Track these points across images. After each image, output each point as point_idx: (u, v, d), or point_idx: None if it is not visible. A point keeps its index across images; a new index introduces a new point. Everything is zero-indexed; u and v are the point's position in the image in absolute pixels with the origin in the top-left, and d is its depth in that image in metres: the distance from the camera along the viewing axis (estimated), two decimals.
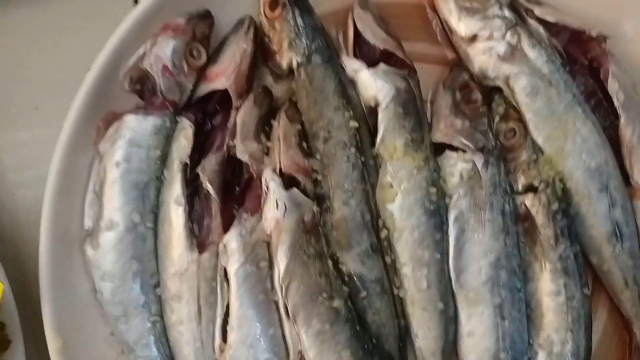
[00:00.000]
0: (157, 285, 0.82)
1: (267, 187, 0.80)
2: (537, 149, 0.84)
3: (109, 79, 0.84)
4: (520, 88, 0.85)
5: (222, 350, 0.79)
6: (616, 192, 0.84)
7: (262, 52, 0.88)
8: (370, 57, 0.86)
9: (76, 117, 0.82)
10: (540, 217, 0.83)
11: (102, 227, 0.81)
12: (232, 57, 0.86)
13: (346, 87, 0.85)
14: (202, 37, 0.86)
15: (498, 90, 0.87)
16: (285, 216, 0.79)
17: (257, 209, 0.81)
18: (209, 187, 0.81)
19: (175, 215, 0.81)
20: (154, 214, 0.83)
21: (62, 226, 0.82)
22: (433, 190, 0.83)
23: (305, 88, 0.85)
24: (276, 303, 0.80)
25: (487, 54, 0.86)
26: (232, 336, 0.78)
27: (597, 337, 0.86)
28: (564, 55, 0.87)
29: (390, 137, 0.83)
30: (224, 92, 0.85)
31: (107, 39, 0.84)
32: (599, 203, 0.84)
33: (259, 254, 0.80)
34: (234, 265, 0.79)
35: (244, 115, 0.84)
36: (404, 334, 0.83)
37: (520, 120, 0.85)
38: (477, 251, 0.82)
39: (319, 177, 0.83)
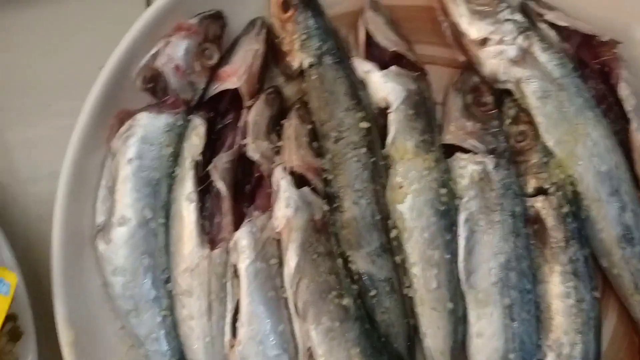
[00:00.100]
0: (168, 280, 0.82)
1: (278, 186, 0.81)
2: (547, 152, 0.84)
3: (122, 77, 0.84)
4: (531, 92, 0.85)
5: (231, 346, 0.79)
6: (627, 195, 0.84)
7: (273, 53, 0.89)
8: (381, 59, 0.87)
9: (89, 114, 0.83)
10: (550, 220, 0.83)
11: (114, 222, 0.81)
12: (244, 58, 0.86)
13: (357, 89, 0.86)
14: (214, 37, 0.87)
15: (509, 93, 0.87)
16: (295, 215, 0.79)
17: (267, 207, 0.82)
18: (220, 184, 0.82)
19: (187, 211, 0.82)
20: (166, 210, 0.83)
21: (74, 221, 0.82)
22: (443, 191, 0.83)
23: (316, 89, 0.86)
24: (286, 300, 0.80)
25: (498, 57, 0.86)
26: (241, 332, 0.79)
27: (607, 341, 0.86)
28: (575, 59, 0.87)
29: (401, 139, 0.84)
30: (235, 92, 0.86)
31: (119, 39, 0.84)
32: (609, 207, 0.83)
33: (269, 252, 0.80)
34: (244, 262, 0.79)
35: (255, 114, 0.85)
36: (413, 333, 0.82)
37: (531, 123, 0.85)
38: (487, 252, 0.82)
39: (330, 177, 0.83)
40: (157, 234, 0.82)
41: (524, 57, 0.85)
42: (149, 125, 0.83)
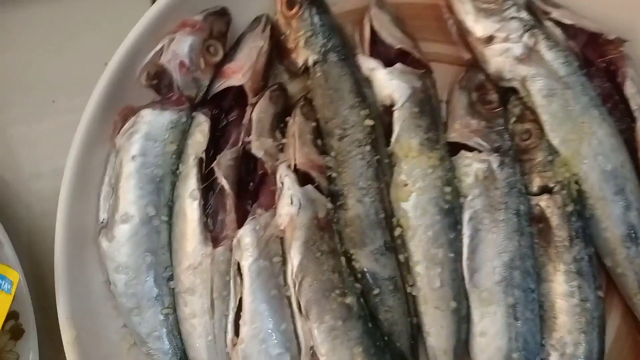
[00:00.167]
0: (171, 278, 0.82)
1: (282, 183, 0.81)
2: (553, 151, 0.84)
3: (127, 74, 0.84)
4: (537, 90, 0.85)
5: (234, 344, 0.79)
6: (632, 195, 0.83)
7: (278, 50, 0.89)
8: (386, 56, 0.87)
9: (93, 111, 0.83)
10: (555, 219, 0.83)
11: (117, 219, 0.81)
12: (249, 55, 0.86)
13: (361, 86, 0.85)
14: (219, 34, 0.87)
15: (514, 91, 0.86)
16: (299, 212, 0.79)
17: (271, 205, 0.82)
18: (223, 182, 0.82)
19: (190, 209, 0.82)
20: (169, 207, 0.83)
21: (77, 218, 0.82)
22: (448, 189, 0.82)
23: (321, 86, 0.85)
24: (288, 298, 0.80)
25: (503, 55, 0.86)
26: (244, 330, 0.79)
27: (610, 340, 0.85)
28: (580, 57, 0.87)
29: (406, 136, 0.84)
30: (240, 89, 0.86)
31: (123, 36, 0.84)
32: (614, 206, 0.83)
33: (273, 250, 0.80)
34: (247, 260, 0.79)
35: (259, 111, 0.85)
36: (416, 332, 0.82)
37: (536, 121, 0.85)
38: (491, 251, 0.81)
39: (334, 175, 0.83)
40: (160, 231, 0.82)
41: (529, 55, 0.85)
42: (153, 122, 0.83)
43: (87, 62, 0.88)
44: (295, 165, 0.82)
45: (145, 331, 0.82)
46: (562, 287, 0.82)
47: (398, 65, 0.85)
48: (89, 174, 0.83)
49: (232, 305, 0.80)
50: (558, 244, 0.82)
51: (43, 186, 0.91)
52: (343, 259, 0.81)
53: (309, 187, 0.81)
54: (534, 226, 0.83)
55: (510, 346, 0.80)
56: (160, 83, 0.85)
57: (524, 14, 0.86)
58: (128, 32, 0.84)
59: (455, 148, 0.85)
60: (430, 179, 0.82)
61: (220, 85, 0.86)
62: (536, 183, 0.84)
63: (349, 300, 0.79)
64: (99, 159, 0.84)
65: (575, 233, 0.82)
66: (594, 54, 0.88)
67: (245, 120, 0.85)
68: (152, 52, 0.85)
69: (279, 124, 0.86)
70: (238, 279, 0.80)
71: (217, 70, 0.87)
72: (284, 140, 0.85)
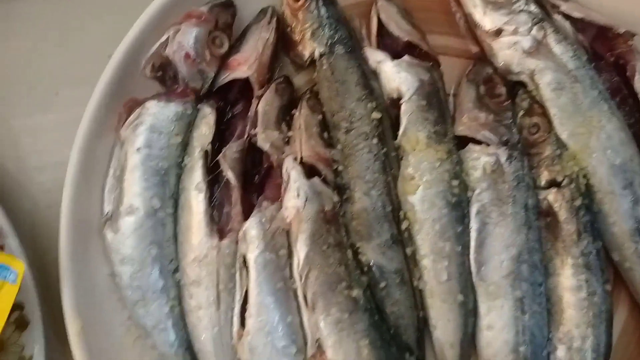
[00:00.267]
0: (176, 270, 0.82)
1: (288, 176, 0.80)
2: (561, 145, 0.84)
3: (131, 66, 0.84)
4: (545, 83, 0.84)
5: (240, 337, 0.79)
6: None
7: (284, 42, 0.88)
8: (393, 49, 0.86)
9: (98, 103, 0.83)
10: (563, 213, 0.82)
11: (122, 212, 0.81)
12: (254, 47, 0.86)
13: (368, 79, 0.85)
14: (225, 25, 0.86)
15: (522, 84, 0.86)
16: (305, 205, 0.79)
17: (277, 198, 0.81)
18: (229, 174, 0.81)
19: (196, 201, 0.81)
20: (174, 200, 0.83)
21: (82, 210, 0.82)
22: (455, 183, 0.82)
23: (327, 78, 0.85)
24: (294, 291, 0.80)
25: (511, 48, 0.85)
26: (250, 323, 0.78)
27: (617, 334, 0.85)
28: (589, 51, 0.86)
29: (413, 130, 0.83)
30: (245, 81, 0.85)
31: (127, 27, 0.84)
32: (622, 200, 0.83)
33: (279, 242, 0.80)
34: (253, 252, 0.79)
35: (265, 104, 0.84)
36: (423, 325, 0.82)
37: (544, 115, 0.85)
38: (499, 245, 0.81)
39: (340, 168, 0.82)
40: (166, 223, 0.82)
41: (538, 48, 0.85)
42: (158, 114, 0.83)
43: (92, 54, 0.87)
44: (301, 158, 0.81)
45: (150, 323, 0.81)
46: (569, 281, 0.82)
47: (406, 58, 0.85)
48: (93, 166, 0.83)
49: (238, 297, 0.79)
50: (566, 238, 0.82)
51: (47, 178, 0.90)
52: (349, 252, 0.80)
53: (316, 180, 0.81)
54: (541, 220, 0.83)
55: (517, 340, 0.80)
56: (165, 75, 0.85)
57: (532, 7, 0.86)
58: (132, 23, 0.84)
59: (463, 141, 0.85)
60: (437, 172, 0.82)
61: (226, 77, 0.86)
62: (544, 177, 0.84)
63: (356, 293, 0.78)
64: (103, 151, 0.83)
65: (583, 227, 0.82)
66: (603, 48, 0.87)
67: (251, 113, 0.84)
68: (157, 44, 0.85)
69: (285, 116, 0.85)
70: (244, 272, 0.79)
71: (223, 62, 0.86)
72: (290, 133, 0.84)
